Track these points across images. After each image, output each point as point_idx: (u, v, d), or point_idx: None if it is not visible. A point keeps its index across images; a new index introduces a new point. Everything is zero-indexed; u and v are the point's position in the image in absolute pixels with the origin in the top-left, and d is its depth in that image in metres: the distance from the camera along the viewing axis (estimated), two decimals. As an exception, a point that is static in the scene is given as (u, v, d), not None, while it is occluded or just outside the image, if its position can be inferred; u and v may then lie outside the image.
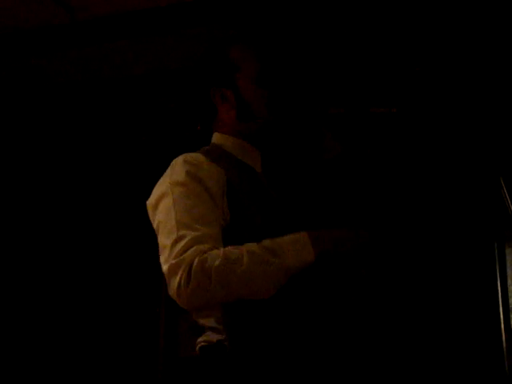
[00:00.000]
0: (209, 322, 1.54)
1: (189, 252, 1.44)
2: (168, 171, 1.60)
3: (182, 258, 1.43)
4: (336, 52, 2.91)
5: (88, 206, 3.26)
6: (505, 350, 2.60)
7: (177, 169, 1.57)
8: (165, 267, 1.46)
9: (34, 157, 3.32)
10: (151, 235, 1.60)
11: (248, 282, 1.43)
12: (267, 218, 1.55)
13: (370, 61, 2.90)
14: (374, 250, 1.56)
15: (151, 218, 1.61)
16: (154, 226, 1.58)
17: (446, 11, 2.71)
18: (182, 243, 1.45)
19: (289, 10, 2.75)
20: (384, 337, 2.47)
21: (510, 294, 2.67)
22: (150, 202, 1.61)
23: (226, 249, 1.46)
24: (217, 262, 1.41)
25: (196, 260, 1.42)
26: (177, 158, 1.61)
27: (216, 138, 1.72)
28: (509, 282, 2.68)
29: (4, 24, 2.86)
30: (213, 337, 1.52)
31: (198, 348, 1.57)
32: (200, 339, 1.57)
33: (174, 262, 1.44)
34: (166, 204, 1.54)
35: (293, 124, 1.71)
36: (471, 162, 2.72)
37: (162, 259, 1.50)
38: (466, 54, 2.80)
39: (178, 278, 1.42)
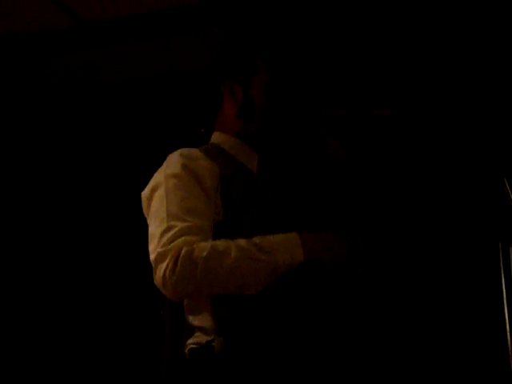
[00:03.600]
0: (199, 321, 1.55)
1: (177, 241, 1.46)
2: (164, 164, 1.64)
3: (169, 246, 1.45)
4: (338, 53, 2.91)
5: (90, 209, 3.26)
6: (510, 350, 2.59)
7: (172, 162, 1.61)
8: (152, 256, 1.49)
9: (35, 159, 3.33)
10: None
11: (234, 276, 1.44)
12: (261, 218, 1.56)
13: (372, 62, 2.90)
14: (369, 254, 1.55)
15: (145, 210, 1.65)
16: (147, 216, 1.62)
17: (447, 12, 2.72)
18: (171, 233, 1.47)
19: (291, 12, 2.76)
20: (384, 338, 2.46)
21: (514, 295, 2.66)
22: (145, 193, 1.64)
23: (214, 241, 1.48)
24: (204, 253, 1.43)
25: (184, 249, 1.44)
26: (173, 153, 1.65)
27: (215, 136, 1.77)
28: (514, 282, 2.68)
29: (6, 28, 2.87)
30: (202, 338, 1.53)
31: (187, 350, 1.57)
32: (190, 341, 1.57)
33: (161, 250, 1.46)
34: (159, 195, 1.57)
35: (293, 129, 1.72)
36: (474, 162, 2.72)
37: (150, 248, 1.53)
38: (467, 55, 2.80)
39: (164, 265, 1.44)
